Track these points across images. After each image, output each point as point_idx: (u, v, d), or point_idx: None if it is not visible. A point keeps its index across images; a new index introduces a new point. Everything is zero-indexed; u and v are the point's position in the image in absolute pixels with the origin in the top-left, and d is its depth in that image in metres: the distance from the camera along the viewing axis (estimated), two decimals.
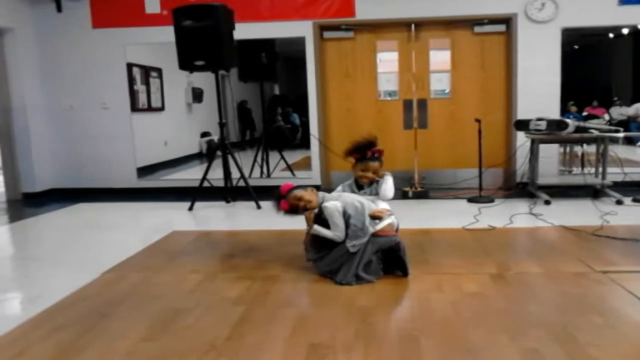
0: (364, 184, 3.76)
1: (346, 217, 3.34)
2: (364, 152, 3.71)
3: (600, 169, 5.94)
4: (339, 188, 3.84)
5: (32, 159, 7.09)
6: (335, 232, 3.36)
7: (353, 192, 3.74)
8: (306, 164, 7.31)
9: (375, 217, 3.40)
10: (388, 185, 3.72)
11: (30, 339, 2.65)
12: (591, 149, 6.21)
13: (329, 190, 3.79)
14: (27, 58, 7.02)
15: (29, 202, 6.89)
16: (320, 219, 3.43)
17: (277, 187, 3.66)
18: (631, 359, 2.30)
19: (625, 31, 9.35)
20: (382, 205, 3.61)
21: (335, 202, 3.39)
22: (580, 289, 3.10)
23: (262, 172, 7.63)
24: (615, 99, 12.49)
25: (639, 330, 2.56)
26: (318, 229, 3.42)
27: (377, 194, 3.74)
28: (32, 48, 7.07)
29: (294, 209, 3.56)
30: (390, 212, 3.56)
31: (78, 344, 2.57)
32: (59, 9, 7.03)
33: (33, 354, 2.49)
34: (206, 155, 10.46)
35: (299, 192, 3.54)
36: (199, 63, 5.74)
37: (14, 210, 6.41)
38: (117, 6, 6.94)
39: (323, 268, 3.44)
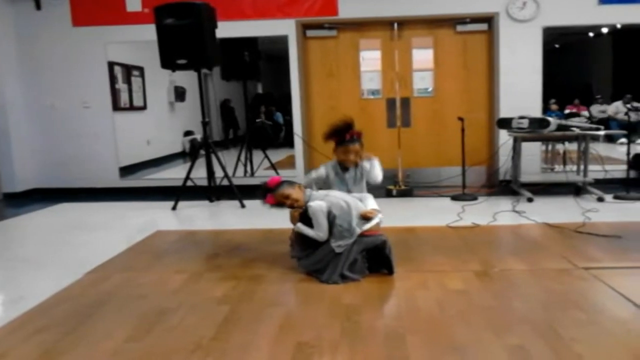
0: (349, 166, 3.73)
1: (331, 217, 3.34)
2: (342, 135, 3.66)
3: (582, 167, 6.01)
4: (321, 169, 3.79)
5: (12, 159, 7.00)
6: (317, 232, 3.35)
7: (337, 174, 3.72)
8: (290, 163, 7.30)
9: (366, 218, 3.40)
10: (376, 170, 3.73)
11: (13, 341, 2.62)
12: (573, 146, 6.28)
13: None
14: (6, 56, 6.92)
15: (10, 202, 6.80)
16: (306, 216, 3.42)
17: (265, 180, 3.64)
18: (613, 354, 2.32)
19: (605, 30, 9.46)
20: (370, 203, 3.59)
21: (320, 202, 3.38)
22: (563, 286, 3.13)
23: (245, 171, 7.61)
24: (598, 97, 12.62)
25: (621, 326, 2.58)
26: (301, 227, 3.42)
27: (361, 176, 3.74)
28: (11, 46, 6.97)
29: (279, 204, 3.56)
30: (379, 211, 3.56)
31: (61, 345, 2.55)
32: (38, 6, 6.94)
33: (15, 356, 2.46)
34: (189, 154, 10.40)
35: (286, 190, 3.52)
36: (181, 62, 5.70)
37: None
38: (98, 4, 6.87)
39: (308, 267, 3.44)
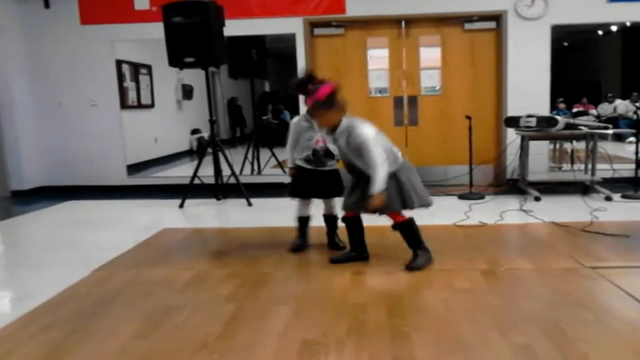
0: None
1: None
2: (306, 87, 3.60)
3: (590, 166, 5.97)
4: (295, 119, 3.90)
5: (20, 157, 7.04)
6: (380, 162, 3.25)
7: (307, 121, 3.79)
8: None
9: None
10: None
11: (20, 338, 2.63)
12: (581, 145, 6.25)
13: None
14: (15, 55, 6.96)
15: (18, 200, 6.84)
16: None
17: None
18: (620, 354, 2.31)
19: (614, 28, 9.39)
20: None
21: (372, 132, 3.32)
22: (570, 285, 3.11)
23: (252, 169, 7.62)
24: (610, 95, 12.54)
25: (628, 325, 2.57)
26: (379, 186, 3.26)
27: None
28: (19, 44, 7.01)
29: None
30: None
31: (68, 343, 2.56)
32: (47, 5, 6.97)
33: (22, 354, 2.47)
34: (197, 152, 10.41)
35: (328, 113, 3.41)
36: (189, 60, 5.71)
37: (3, 208, 6.35)
38: (106, 2, 6.89)
39: (357, 206, 3.48)
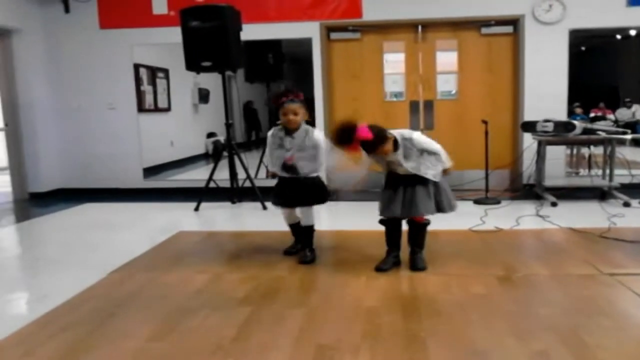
0: (292, 128, 3.72)
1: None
2: (281, 99, 3.68)
3: (608, 171, 5.92)
4: (270, 133, 3.83)
5: (38, 159, 7.12)
6: (440, 148, 3.48)
7: (275, 137, 3.77)
8: None
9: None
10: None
11: (38, 338, 2.66)
12: (598, 150, 6.19)
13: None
14: (35, 58, 7.05)
15: (36, 202, 6.91)
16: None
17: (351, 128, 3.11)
18: None
19: (633, 32, 9.30)
20: None
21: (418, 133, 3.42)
22: (588, 292, 3.08)
23: (268, 173, 7.62)
24: (628, 99, 12.41)
25: None
26: (448, 162, 3.52)
27: (313, 145, 3.75)
28: (40, 48, 7.10)
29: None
30: None
31: (85, 344, 2.58)
32: (67, 9, 7.06)
33: (40, 354, 2.49)
34: (212, 156, 10.46)
35: (387, 146, 3.27)
36: (206, 64, 5.75)
37: (21, 210, 6.43)
38: (125, 7, 6.97)
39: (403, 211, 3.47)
